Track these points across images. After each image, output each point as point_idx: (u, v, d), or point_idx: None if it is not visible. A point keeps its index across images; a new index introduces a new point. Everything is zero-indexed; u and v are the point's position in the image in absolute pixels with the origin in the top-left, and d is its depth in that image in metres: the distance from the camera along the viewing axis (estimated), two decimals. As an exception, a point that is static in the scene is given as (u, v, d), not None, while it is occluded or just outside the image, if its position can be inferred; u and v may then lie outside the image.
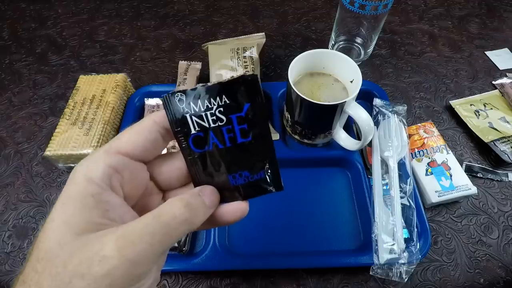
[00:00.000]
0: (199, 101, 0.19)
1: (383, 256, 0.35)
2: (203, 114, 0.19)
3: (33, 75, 0.56)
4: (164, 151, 0.43)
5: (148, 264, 0.16)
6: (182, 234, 0.17)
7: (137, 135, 0.19)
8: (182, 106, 0.19)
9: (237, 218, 0.21)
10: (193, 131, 0.19)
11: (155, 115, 0.19)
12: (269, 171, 0.21)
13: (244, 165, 0.20)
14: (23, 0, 0.69)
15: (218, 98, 0.19)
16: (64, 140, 0.42)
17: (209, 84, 0.19)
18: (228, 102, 0.19)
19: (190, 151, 0.20)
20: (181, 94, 0.19)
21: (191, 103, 0.19)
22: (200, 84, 0.19)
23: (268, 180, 0.21)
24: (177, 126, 0.19)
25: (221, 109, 0.19)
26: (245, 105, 0.19)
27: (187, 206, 0.17)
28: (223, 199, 0.21)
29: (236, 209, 0.21)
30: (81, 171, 0.17)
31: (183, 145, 0.20)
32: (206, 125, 0.19)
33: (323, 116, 0.39)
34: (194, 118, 0.19)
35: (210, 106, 0.19)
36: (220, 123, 0.19)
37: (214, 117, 0.19)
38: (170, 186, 0.21)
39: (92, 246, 0.15)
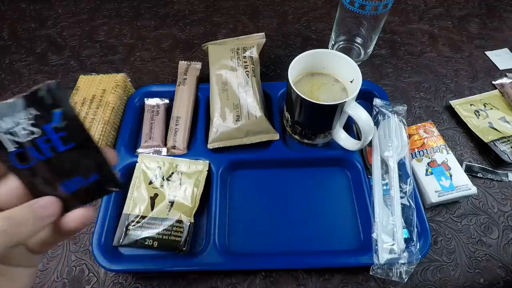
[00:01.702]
0: (6, 119, 0.18)
1: (383, 256, 0.35)
2: (15, 130, 0.19)
3: (33, 75, 0.56)
4: (164, 152, 0.44)
5: None
6: (4, 245, 0.18)
7: None
8: None
9: (79, 225, 0.21)
10: (11, 149, 0.19)
11: None
12: (102, 171, 0.21)
13: (74, 171, 0.20)
14: (23, 0, 0.69)
15: (25, 112, 0.18)
16: (64, 140, 0.42)
17: (10, 100, 0.18)
18: (38, 113, 0.18)
19: (16, 168, 0.20)
20: None
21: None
22: (2, 102, 0.18)
23: (103, 180, 0.21)
24: None
25: (33, 121, 0.19)
26: (56, 113, 0.19)
27: (7, 218, 0.18)
28: (67, 208, 0.21)
29: (77, 216, 0.21)
30: None
31: (8, 165, 0.19)
32: (22, 140, 0.19)
33: (323, 116, 0.39)
34: (7, 136, 0.19)
35: (20, 121, 0.18)
36: (35, 136, 0.19)
37: (28, 131, 0.19)
38: (13, 205, 0.21)
39: None
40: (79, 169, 0.21)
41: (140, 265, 0.36)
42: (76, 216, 0.21)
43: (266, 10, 0.66)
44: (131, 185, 0.40)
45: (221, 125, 0.43)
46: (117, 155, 0.22)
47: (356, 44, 0.55)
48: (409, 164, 0.40)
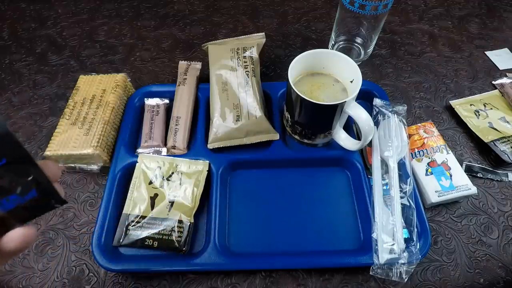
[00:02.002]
0: None
1: (383, 256, 0.35)
2: None
3: (33, 75, 0.56)
4: (164, 152, 0.44)
5: None
6: None
7: None
8: None
9: (20, 244, 0.20)
10: None
11: None
12: (40, 187, 0.20)
13: (8, 189, 0.19)
14: (23, 0, 0.69)
15: None
16: (64, 140, 0.42)
17: None
18: None
19: None
20: None
21: None
22: None
23: (43, 197, 0.20)
24: None
25: None
26: None
27: None
28: (7, 228, 0.20)
29: (16, 236, 0.20)
30: None
31: None
32: None
33: (323, 116, 0.39)
34: None
35: None
36: None
37: None
38: None
39: None
40: (14, 186, 0.19)
41: (140, 265, 0.36)
42: (16, 235, 0.20)
43: (266, 10, 0.66)
44: (131, 185, 0.40)
45: (221, 125, 0.43)
46: (61, 169, 0.21)
47: (356, 44, 0.55)
48: (409, 164, 0.40)
